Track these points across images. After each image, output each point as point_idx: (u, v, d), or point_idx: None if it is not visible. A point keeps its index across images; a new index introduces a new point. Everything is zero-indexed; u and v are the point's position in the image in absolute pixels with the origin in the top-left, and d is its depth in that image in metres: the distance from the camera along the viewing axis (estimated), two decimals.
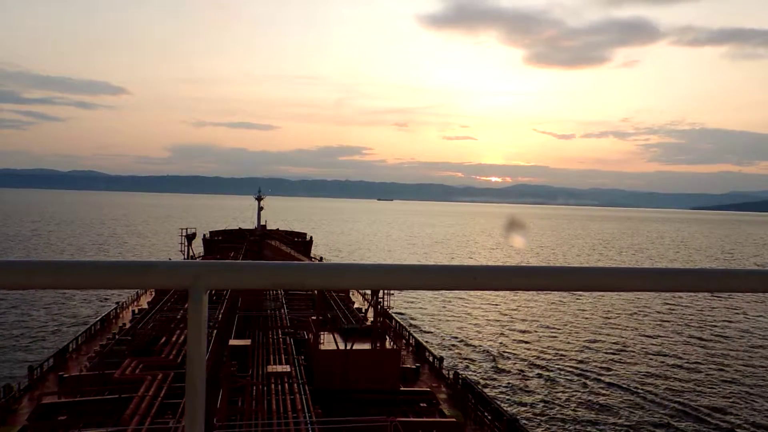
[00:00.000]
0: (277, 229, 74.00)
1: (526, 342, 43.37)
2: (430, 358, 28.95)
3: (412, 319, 48.05)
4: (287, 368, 22.00)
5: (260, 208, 66.61)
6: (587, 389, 33.01)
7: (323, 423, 18.21)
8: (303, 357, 24.79)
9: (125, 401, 19.27)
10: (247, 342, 24.32)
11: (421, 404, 22.65)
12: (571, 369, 36.65)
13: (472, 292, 54.98)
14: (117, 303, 37.70)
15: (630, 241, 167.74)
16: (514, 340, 43.88)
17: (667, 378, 35.54)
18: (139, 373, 22.01)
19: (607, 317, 52.95)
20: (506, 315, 53.00)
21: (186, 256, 47.70)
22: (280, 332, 28.36)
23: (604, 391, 32.69)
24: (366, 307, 34.93)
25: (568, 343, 43.38)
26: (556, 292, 58.14)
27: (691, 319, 52.99)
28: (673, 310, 56.78)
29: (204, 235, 65.17)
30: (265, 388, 20.27)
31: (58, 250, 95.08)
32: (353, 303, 39.02)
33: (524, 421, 25.39)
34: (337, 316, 28.95)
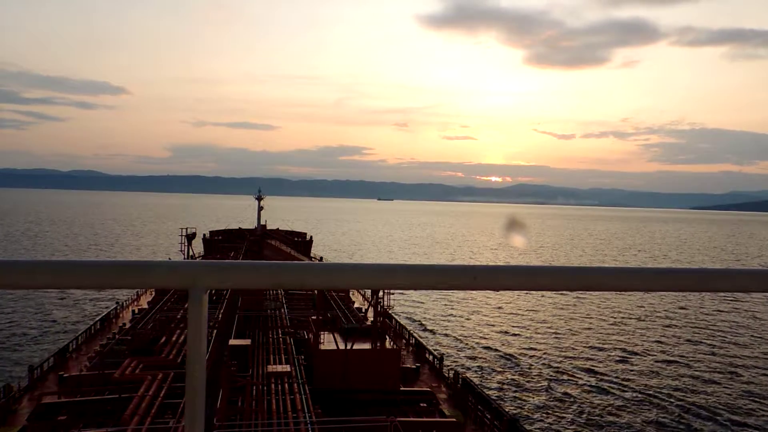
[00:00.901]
0: (277, 229, 73.99)
1: (527, 342, 43.36)
2: (430, 358, 28.93)
3: (412, 319, 48.05)
4: (287, 368, 21.98)
5: (260, 208, 66.60)
6: (587, 389, 33.00)
7: (323, 423, 18.20)
8: (303, 357, 24.77)
9: (125, 401, 19.26)
10: (247, 342, 24.33)
11: (421, 404, 22.64)
12: (571, 369, 36.64)
13: (472, 292, 54.99)
14: (117, 303, 37.69)
15: (632, 242, 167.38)
16: (515, 339, 43.87)
17: (667, 378, 35.52)
18: (139, 373, 22.01)
19: (607, 317, 52.93)
20: (506, 315, 53.00)
21: (186, 256, 47.68)
22: (280, 332, 28.36)
23: (604, 391, 32.68)
24: (366, 307, 34.92)
25: (568, 342, 43.37)
26: (556, 292, 58.18)
27: (691, 319, 52.95)
28: (674, 309, 56.74)
29: (204, 235, 65.16)
30: (265, 388, 20.26)
31: (54, 250, 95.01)
32: (353, 303, 39.00)
33: (524, 421, 25.40)
34: (337, 316, 28.93)
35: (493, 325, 48.60)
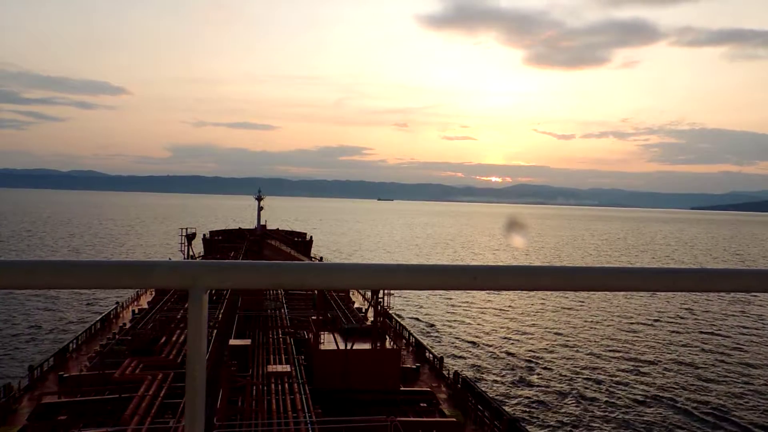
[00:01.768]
0: (277, 229, 73.98)
1: (527, 342, 43.36)
2: (430, 358, 28.94)
3: (412, 319, 48.05)
4: (287, 368, 21.99)
5: (260, 208, 66.59)
6: (588, 389, 33.00)
7: (323, 423, 18.21)
8: (303, 357, 24.77)
9: (125, 401, 19.27)
10: (247, 342, 24.33)
11: (421, 404, 22.65)
12: (571, 369, 36.64)
13: (472, 292, 54.98)
14: (117, 303, 37.69)
15: (634, 242, 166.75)
16: (515, 339, 43.87)
17: (667, 377, 35.52)
18: (139, 373, 22.02)
19: (607, 317, 52.94)
20: (506, 315, 52.99)
21: (186, 256, 47.68)
22: (280, 332, 28.36)
23: (604, 391, 32.68)
24: (366, 307, 34.93)
25: (569, 342, 43.37)
26: (556, 292, 58.16)
27: (691, 319, 52.96)
28: (674, 309, 56.73)
29: (204, 235, 65.16)
30: (265, 388, 20.26)
31: (53, 250, 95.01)
32: (353, 303, 39.00)
33: (524, 421, 25.40)
34: (337, 316, 28.94)
35: (493, 325, 48.60)
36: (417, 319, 49.02)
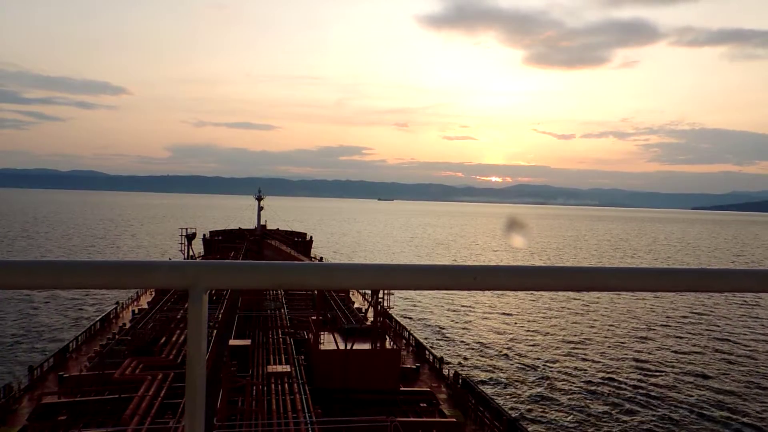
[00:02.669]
0: (277, 229, 73.95)
1: (527, 342, 43.37)
2: (430, 358, 28.94)
3: (412, 319, 48.05)
4: (287, 368, 21.99)
5: (260, 208, 66.59)
6: (588, 389, 33.00)
7: (323, 423, 18.21)
8: (303, 357, 24.79)
9: (125, 401, 19.27)
10: (247, 342, 24.35)
11: (421, 404, 22.64)
12: (571, 369, 36.64)
13: (472, 292, 54.99)
14: (117, 303, 37.70)
15: (636, 243, 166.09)
16: (515, 339, 43.87)
17: (668, 377, 35.52)
18: (139, 373, 22.02)
19: (607, 317, 52.95)
20: (506, 315, 53.00)
21: (186, 256, 47.69)
22: (280, 332, 28.36)
23: (604, 391, 32.68)
24: (366, 307, 34.93)
25: (569, 342, 43.36)
26: (556, 292, 58.15)
27: (691, 319, 52.96)
28: (675, 309, 56.73)
29: (204, 235, 65.16)
30: (265, 388, 20.26)
31: (52, 250, 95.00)
32: (353, 303, 39.00)
33: (524, 422, 25.40)
34: (337, 316, 28.95)
35: (493, 325, 48.61)
36: (417, 319, 49.02)
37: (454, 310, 53.70)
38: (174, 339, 26.45)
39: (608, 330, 47.93)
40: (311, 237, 71.58)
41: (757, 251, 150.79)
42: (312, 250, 67.20)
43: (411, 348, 31.31)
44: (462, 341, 42.95)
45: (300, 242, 66.32)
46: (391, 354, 24.42)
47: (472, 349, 41.01)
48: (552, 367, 36.83)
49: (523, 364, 37.48)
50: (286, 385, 20.53)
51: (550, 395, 31.87)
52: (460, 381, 24.48)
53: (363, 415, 19.66)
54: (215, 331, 27.71)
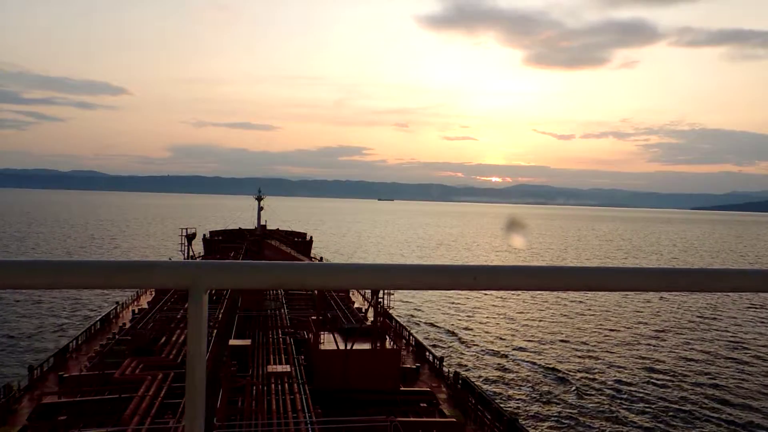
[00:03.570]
0: (277, 229, 73.86)
1: (527, 342, 43.36)
2: (430, 358, 28.93)
3: (412, 319, 48.05)
4: (287, 368, 21.98)
5: (260, 208, 66.53)
6: (588, 389, 33.00)
7: (323, 423, 18.20)
8: (303, 357, 24.78)
9: (125, 401, 19.26)
10: (247, 342, 24.33)
11: (421, 404, 22.63)
12: (571, 369, 36.64)
13: (472, 292, 54.98)
14: (117, 303, 37.69)
15: (638, 243, 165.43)
16: (515, 339, 43.87)
17: (668, 377, 35.52)
18: (139, 373, 22.01)
19: (607, 317, 52.94)
20: (506, 315, 52.99)
21: (186, 256, 47.68)
22: (280, 332, 28.34)
23: (604, 391, 32.68)
24: (366, 307, 34.91)
25: (569, 342, 43.36)
26: (556, 292, 58.23)
27: (692, 319, 52.97)
28: (675, 309, 56.76)
29: (204, 235, 65.12)
30: (265, 388, 20.25)
31: (51, 250, 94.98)
32: (353, 303, 38.99)
33: (524, 421, 25.39)
34: (337, 316, 28.93)
35: (493, 325, 48.61)
36: (417, 319, 49.02)
37: (454, 310, 53.69)
38: (174, 339, 26.42)
39: (608, 330, 47.92)
40: (311, 237, 71.52)
41: (761, 252, 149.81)
42: (312, 250, 67.16)
43: (411, 348, 31.30)
44: (462, 341, 42.94)
45: (300, 242, 66.26)
46: (391, 354, 24.41)
47: (473, 349, 41.01)
48: (552, 367, 36.82)
49: (524, 364, 37.48)
50: (286, 385, 20.52)
51: (551, 395, 31.87)
52: (460, 381, 24.47)
53: (363, 415, 19.65)
54: (215, 331, 27.68)
